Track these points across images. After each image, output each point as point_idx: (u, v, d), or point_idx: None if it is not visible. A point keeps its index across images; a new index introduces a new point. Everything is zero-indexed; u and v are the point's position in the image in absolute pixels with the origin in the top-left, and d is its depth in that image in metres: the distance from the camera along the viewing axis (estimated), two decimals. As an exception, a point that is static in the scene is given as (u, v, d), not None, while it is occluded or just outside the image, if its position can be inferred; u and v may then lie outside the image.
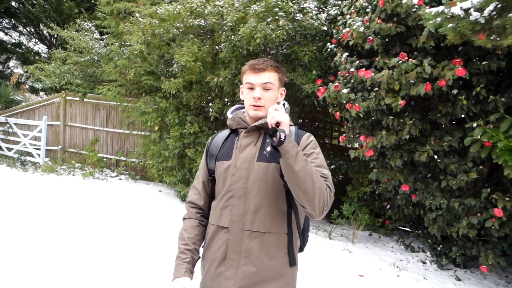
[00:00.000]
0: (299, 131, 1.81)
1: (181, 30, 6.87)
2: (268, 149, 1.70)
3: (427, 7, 3.96)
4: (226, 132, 1.88)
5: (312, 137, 1.79)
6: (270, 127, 1.52)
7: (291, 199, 1.67)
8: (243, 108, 1.88)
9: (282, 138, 1.46)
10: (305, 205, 1.56)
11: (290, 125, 1.74)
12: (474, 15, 3.06)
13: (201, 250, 1.83)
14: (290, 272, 1.71)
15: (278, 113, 1.51)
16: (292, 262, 1.71)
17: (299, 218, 1.77)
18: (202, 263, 1.82)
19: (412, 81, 4.26)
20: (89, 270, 4.10)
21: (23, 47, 17.13)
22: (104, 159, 10.39)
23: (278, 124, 1.51)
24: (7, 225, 5.30)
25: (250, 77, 1.75)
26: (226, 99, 6.75)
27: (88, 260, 4.35)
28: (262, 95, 1.72)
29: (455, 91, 4.36)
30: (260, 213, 1.66)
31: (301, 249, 1.86)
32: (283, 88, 1.84)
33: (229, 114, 1.89)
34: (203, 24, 6.66)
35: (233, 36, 5.92)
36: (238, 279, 1.64)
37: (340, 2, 5.93)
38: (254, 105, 1.73)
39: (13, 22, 16.70)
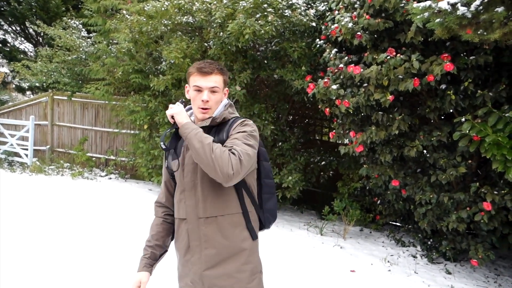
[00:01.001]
0: (236, 118, 1.92)
1: (169, 28, 6.81)
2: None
3: (415, 2, 3.96)
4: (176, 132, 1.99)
5: (244, 122, 1.88)
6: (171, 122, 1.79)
7: (238, 183, 1.79)
8: (190, 109, 1.98)
9: (177, 126, 1.77)
10: (210, 174, 1.68)
11: (235, 116, 1.93)
12: (461, 9, 3.07)
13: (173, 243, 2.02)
14: (251, 245, 1.85)
15: (169, 111, 1.78)
16: (254, 236, 1.86)
17: (253, 197, 1.90)
18: (176, 253, 1.97)
19: (400, 77, 4.27)
20: (79, 270, 4.05)
21: (9, 45, 16.86)
22: (93, 159, 10.29)
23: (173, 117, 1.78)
24: (-6, 227, 5.22)
25: (198, 80, 1.83)
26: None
27: (78, 260, 4.30)
28: (210, 97, 1.82)
29: (443, 86, 4.38)
30: (209, 200, 1.80)
31: (263, 226, 1.98)
32: (226, 88, 1.94)
33: None
34: (191, 21, 6.61)
35: (221, 33, 5.89)
36: (203, 262, 1.80)
37: (328, -2, 5.92)
38: (202, 108, 1.84)
39: (-1, 20, 16.43)
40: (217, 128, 1.90)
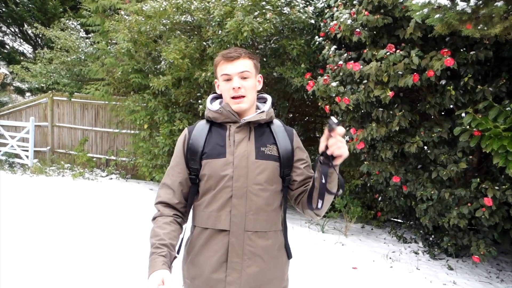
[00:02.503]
0: (286, 126, 1.78)
1: (167, 27, 6.80)
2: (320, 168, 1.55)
3: (414, -2, 3.95)
4: (204, 126, 1.72)
5: (298, 137, 1.78)
6: (328, 152, 1.47)
7: (286, 197, 1.68)
8: (220, 97, 1.78)
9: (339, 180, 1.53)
10: (319, 213, 1.63)
11: (275, 117, 1.77)
12: (461, 5, 3.06)
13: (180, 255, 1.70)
14: (287, 266, 1.73)
15: (343, 146, 1.44)
16: (289, 255, 1.72)
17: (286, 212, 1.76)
18: (189, 269, 1.68)
19: (400, 73, 4.26)
20: (82, 270, 4.05)
21: (7, 47, 16.85)
22: (94, 159, 10.29)
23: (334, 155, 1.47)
24: (-4, 228, 5.22)
25: (225, 68, 1.64)
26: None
27: (80, 260, 4.30)
28: (241, 84, 1.63)
29: (443, 82, 4.37)
30: (261, 213, 1.61)
31: None
32: (260, 75, 1.76)
33: (212, 106, 1.73)
34: (190, 20, 6.60)
35: (220, 31, 5.87)
36: (243, 282, 1.57)
37: (327, -5, 5.91)
38: (235, 97, 1.63)
39: (-4, 22, 16.41)
40: (262, 126, 1.71)
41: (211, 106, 1.72)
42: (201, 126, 1.71)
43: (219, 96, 1.79)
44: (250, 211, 1.59)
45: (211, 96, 1.80)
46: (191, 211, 1.72)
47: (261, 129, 1.69)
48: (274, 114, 1.78)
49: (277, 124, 1.74)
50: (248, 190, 1.59)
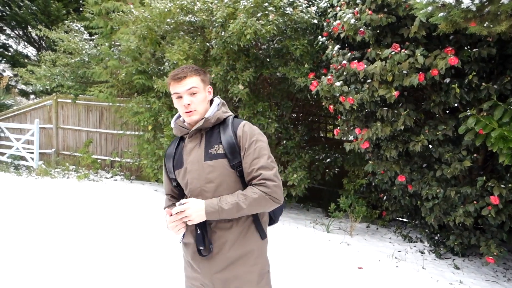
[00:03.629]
0: (235, 120, 1.92)
1: (171, 27, 6.82)
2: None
3: (418, -4, 3.94)
4: (175, 141, 2.01)
5: (247, 127, 1.87)
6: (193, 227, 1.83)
7: (245, 185, 1.84)
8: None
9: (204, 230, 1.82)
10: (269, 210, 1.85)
11: (229, 115, 1.95)
12: (466, 2, 3.04)
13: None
14: (259, 246, 1.87)
15: (190, 214, 1.75)
16: (263, 236, 1.88)
17: None
18: (184, 254, 2.00)
19: (405, 72, 4.25)
20: (88, 272, 4.06)
21: (11, 49, 16.93)
22: (99, 161, 10.32)
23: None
24: (4, 229, 5.24)
25: (175, 87, 1.85)
26: (218, 96, 6.71)
27: (86, 261, 4.32)
28: (191, 100, 1.84)
29: (447, 80, 4.35)
30: None
31: (273, 221, 2.04)
32: (209, 86, 1.94)
33: (172, 124, 1.99)
34: (193, 21, 6.61)
35: (223, 32, 5.88)
36: (213, 265, 1.81)
37: (330, -6, 5.89)
38: (186, 112, 1.85)
39: (0, 25, 16.50)
40: (214, 129, 1.91)
41: (172, 124, 2.00)
42: (173, 143, 2.02)
43: None
44: None
45: (176, 115, 2.03)
46: None
47: (211, 132, 1.90)
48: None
49: (228, 123, 1.90)
50: (202, 189, 1.82)
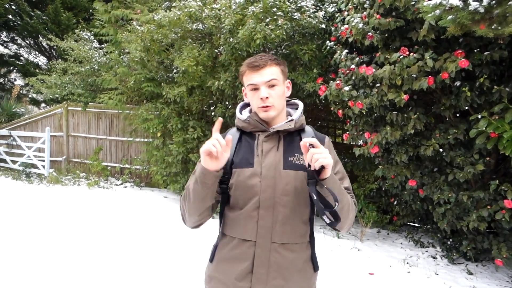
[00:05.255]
0: (317, 133, 1.71)
1: (179, 35, 6.86)
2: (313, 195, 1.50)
3: (426, -1, 3.92)
4: (234, 134, 1.70)
5: (331, 143, 1.72)
6: (311, 168, 1.43)
7: (313, 207, 1.62)
8: (249, 106, 1.76)
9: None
10: (338, 228, 1.58)
11: (307, 125, 1.72)
12: (473, 4, 3.02)
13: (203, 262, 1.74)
14: (314, 277, 1.70)
15: (322, 156, 1.39)
16: (316, 268, 1.69)
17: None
18: (212, 276, 1.67)
19: (414, 75, 4.22)
20: (98, 279, 4.07)
21: (22, 59, 17.19)
22: (109, 168, 10.39)
23: (322, 167, 1.43)
24: (16, 237, 5.29)
25: (252, 77, 1.61)
26: (227, 102, 6.73)
27: (97, 268, 4.33)
28: (269, 93, 1.59)
29: (458, 83, 4.31)
30: (288, 224, 1.57)
31: None
32: (288, 80, 1.71)
33: (241, 115, 1.71)
34: (201, 28, 6.65)
35: (231, 39, 5.90)
36: None
37: (337, -1, 5.90)
38: (263, 107, 1.60)
39: (12, 35, 16.79)
40: (293, 135, 1.67)
41: (240, 115, 1.70)
42: (231, 134, 1.68)
43: (249, 104, 1.76)
44: (277, 222, 1.56)
45: (240, 104, 1.78)
46: (222, 218, 1.70)
47: (290, 137, 1.65)
48: None
49: (308, 132, 1.69)
50: (276, 201, 1.56)
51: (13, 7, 15.26)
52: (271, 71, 1.60)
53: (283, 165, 1.58)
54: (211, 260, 1.69)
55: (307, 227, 1.64)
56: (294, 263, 1.59)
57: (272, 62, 1.61)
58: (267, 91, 1.59)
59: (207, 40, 6.90)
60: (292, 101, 1.79)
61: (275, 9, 5.58)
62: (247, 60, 1.65)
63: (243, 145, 1.65)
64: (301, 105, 1.75)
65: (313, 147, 1.40)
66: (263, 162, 1.58)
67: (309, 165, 1.43)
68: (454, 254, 5.22)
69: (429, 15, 3.37)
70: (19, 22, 15.21)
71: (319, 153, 1.39)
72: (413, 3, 4.16)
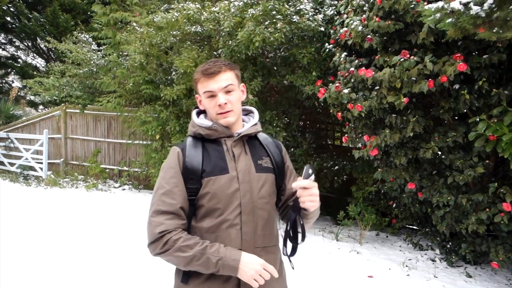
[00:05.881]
0: (273, 139, 1.76)
1: (178, 38, 6.86)
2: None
3: (425, 3, 3.93)
4: (195, 143, 1.63)
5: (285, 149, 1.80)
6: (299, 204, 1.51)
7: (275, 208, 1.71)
8: (202, 113, 1.72)
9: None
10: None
11: (261, 131, 1.74)
12: (474, 9, 3.03)
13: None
14: (284, 277, 1.74)
15: (315, 201, 1.51)
16: (293, 267, 1.71)
17: None
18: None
19: (413, 78, 4.23)
20: (97, 281, 4.06)
21: (20, 61, 17.16)
22: (107, 170, 10.37)
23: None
24: (13, 239, 5.27)
25: (208, 85, 1.58)
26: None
27: (95, 270, 4.31)
28: (227, 99, 1.58)
29: (456, 86, 4.32)
30: (267, 227, 1.59)
31: None
32: (242, 84, 1.70)
33: (202, 122, 1.64)
34: (200, 31, 6.65)
35: (230, 41, 5.91)
36: None
37: (336, 2, 5.91)
38: (222, 113, 1.59)
39: (10, 37, 16.75)
40: (253, 139, 1.69)
41: (201, 122, 1.64)
42: (193, 143, 1.62)
43: (203, 111, 1.73)
44: (259, 226, 1.56)
45: (195, 111, 1.73)
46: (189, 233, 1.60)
47: (252, 141, 1.68)
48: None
49: (264, 136, 1.74)
50: (254, 205, 1.56)
51: (11, 9, 15.25)
52: (226, 76, 1.59)
53: (255, 168, 1.60)
54: (185, 281, 1.55)
55: (277, 228, 1.68)
56: (274, 265, 1.57)
57: (226, 68, 1.60)
58: (225, 97, 1.58)
59: (205, 42, 6.90)
60: (243, 107, 1.77)
61: (274, 12, 5.59)
62: (200, 67, 1.63)
63: (210, 153, 1.59)
64: (255, 110, 1.76)
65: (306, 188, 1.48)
66: (237, 166, 1.57)
67: (297, 201, 1.50)
68: (453, 257, 5.22)
69: (429, 18, 3.37)
70: (17, 24, 15.19)
71: (315, 196, 1.50)
72: (412, 6, 4.17)
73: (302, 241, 1.53)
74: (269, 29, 5.45)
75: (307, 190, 1.46)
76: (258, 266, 1.43)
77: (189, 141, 1.63)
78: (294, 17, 5.65)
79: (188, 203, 1.55)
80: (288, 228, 1.51)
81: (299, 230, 1.56)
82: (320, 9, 6.11)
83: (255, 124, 1.68)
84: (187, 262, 1.46)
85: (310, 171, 1.47)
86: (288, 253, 1.56)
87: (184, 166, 1.56)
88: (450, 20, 3.19)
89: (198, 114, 1.73)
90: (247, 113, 1.78)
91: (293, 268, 1.61)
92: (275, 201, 1.67)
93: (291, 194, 1.66)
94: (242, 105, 1.73)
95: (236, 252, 1.46)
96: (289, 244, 1.60)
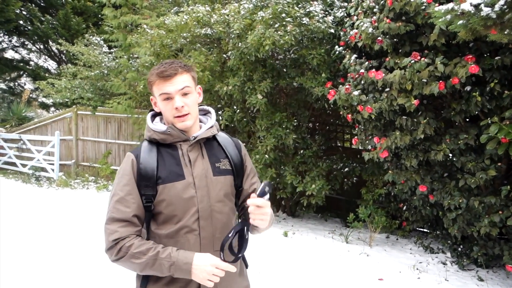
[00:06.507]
0: (233, 138, 1.75)
1: (188, 40, 6.90)
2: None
3: (436, 4, 3.91)
4: (150, 148, 1.59)
5: (245, 148, 1.77)
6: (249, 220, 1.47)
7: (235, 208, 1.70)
8: (158, 115, 1.69)
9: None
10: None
11: (218, 130, 1.71)
12: (485, 10, 3.01)
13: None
14: (246, 275, 1.74)
15: (264, 219, 1.46)
16: (246, 265, 1.74)
17: None
18: None
19: (424, 80, 4.20)
20: (107, 279, 4.09)
21: (32, 63, 17.40)
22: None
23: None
24: (27, 239, 5.34)
25: (164, 87, 1.53)
26: (235, 107, 6.74)
27: (106, 269, 4.35)
28: (184, 102, 1.54)
29: (468, 88, 4.29)
30: (226, 230, 1.55)
31: None
32: (199, 86, 1.66)
33: (156, 126, 1.61)
34: (210, 33, 6.68)
35: (240, 44, 5.92)
36: None
37: (346, 4, 5.90)
38: (179, 116, 1.54)
39: (22, 40, 16.99)
40: (211, 140, 1.67)
41: (156, 127, 1.61)
42: (148, 149, 1.59)
43: (158, 113, 1.69)
44: (217, 230, 1.56)
45: (150, 114, 1.69)
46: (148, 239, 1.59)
47: (209, 143, 1.65)
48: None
49: (223, 136, 1.71)
50: (212, 209, 1.55)
51: (24, 12, 15.47)
52: (182, 79, 1.55)
53: (213, 172, 1.58)
54: (144, 285, 1.55)
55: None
56: (235, 266, 1.55)
57: (182, 70, 1.56)
58: (182, 99, 1.54)
59: (215, 45, 6.93)
60: (201, 107, 1.74)
61: (284, 15, 5.60)
62: (155, 68, 1.58)
63: (166, 158, 1.57)
64: (212, 111, 1.74)
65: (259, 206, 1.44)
66: (193, 172, 1.55)
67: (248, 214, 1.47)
68: (465, 260, 5.16)
69: (440, 20, 3.36)
70: (29, 27, 15.41)
71: (266, 215, 1.45)
72: (423, 7, 4.15)
73: (241, 253, 1.49)
74: (279, 32, 5.45)
75: (259, 209, 1.42)
76: (209, 267, 1.41)
77: (144, 146, 1.60)
78: (304, 19, 5.65)
79: (143, 210, 1.53)
80: (230, 235, 1.45)
81: (242, 242, 1.51)
82: (330, 11, 6.11)
83: (211, 126, 1.65)
84: (142, 268, 1.46)
85: (267, 189, 1.44)
86: (227, 258, 1.47)
87: (138, 173, 1.53)
88: (461, 21, 3.17)
89: (154, 117, 1.69)
90: (204, 113, 1.75)
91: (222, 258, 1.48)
92: (234, 202, 1.67)
93: (249, 195, 1.60)
94: (200, 105, 1.70)
95: (188, 255, 1.44)
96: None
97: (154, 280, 1.53)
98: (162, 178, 1.52)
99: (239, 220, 1.66)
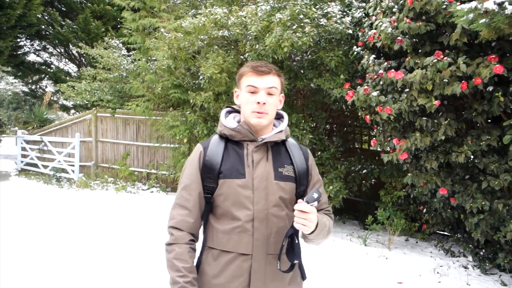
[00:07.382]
0: (302, 146, 1.74)
1: (205, 42, 6.94)
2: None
3: (458, 3, 3.84)
4: (219, 142, 1.64)
5: (312, 156, 1.76)
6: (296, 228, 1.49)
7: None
8: (235, 112, 1.74)
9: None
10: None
11: (288, 136, 1.72)
12: (510, 8, 2.95)
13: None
14: (301, 286, 1.70)
15: (307, 224, 1.46)
16: (304, 276, 1.70)
17: None
18: None
19: (446, 80, 4.13)
20: (126, 279, 4.13)
21: (53, 66, 17.76)
22: (136, 173, 10.57)
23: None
24: (47, 239, 5.44)
25: (253, 80, 1.58)
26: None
27: (125, 269, 4.39)
28: (266, 100, 1.57)
29: (490, 88, 4.19)
30: (282, 234, 1.56)
31: None
32: (282, 94, 1.70)
33: (228, 123, 1.66)
34: (227, 35, 6.70)
35: (257, 45, 5.92)
36: None
37: (364, 4, 5.84)
38: (258, 112, 1.57)
39: (44, 44, 17.37)
40: (279, 145, 1.67)
41: (227, 123, 1.65)
42: (216, 142, 1.63)
43: (233, 110, 1.75)
44: (272, 233, 1.55)
45: (225, 110, 1.74)
46: (207, 229, 1.65)
47: (277, 148, 1.65)
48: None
49: (292, 143, 1.71)
50: (269, 212, 1.55)
51: (45, 17, 15.81)
52: (273, 79, 1.59)
53: (274, 176, 1.58)
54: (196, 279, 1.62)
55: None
56: (288, 273, 1.57)
57: (275, 72, 1.61)
58: (265, 97, 1.57)
59: (232, 47, 6.95)
60: (277, 111, 1.75)
61: (301, 16, 5.58)
62: (251, 63, 1.64)
63: (231, 154, 1.60)
64: (286, 116, 1.75)
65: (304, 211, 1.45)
66: (254, 173, 1.56)
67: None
68: (487, 264, 5.04)
69: (462, 19, 3.30)
70: (50, 31, 15.74)
71: (311, 222, 1.46)
72: (444, 6, 4.08)
73: (296, 260, 1.52)
74: (297, 33, 5.43)
75: (303, 214, 1.44)
76: None
77: (214, 140, 1.65)
78: (322, 20, 5.61)
79: (204, 200, 1.59)
80: (283, 243, 1.51)
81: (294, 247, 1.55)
82: (348, 11, 6.06)
83: (281, 131, 1.66)
84: (167, 267, 1.58)
85: (315, 195, 1.45)
86: (283, 268, 1.53)
87: (203, 164, 1.59)
88: (483, 20, 3.11)
89: (228, 114, 1.73)
90: (278, 117, 1.76)
91: (278, 267, 1.56)
92: (292, 207, 1.60)
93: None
94: None
95: None
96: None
97: (206, 266, 1.61)
98: (224, 172, 1.56)
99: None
